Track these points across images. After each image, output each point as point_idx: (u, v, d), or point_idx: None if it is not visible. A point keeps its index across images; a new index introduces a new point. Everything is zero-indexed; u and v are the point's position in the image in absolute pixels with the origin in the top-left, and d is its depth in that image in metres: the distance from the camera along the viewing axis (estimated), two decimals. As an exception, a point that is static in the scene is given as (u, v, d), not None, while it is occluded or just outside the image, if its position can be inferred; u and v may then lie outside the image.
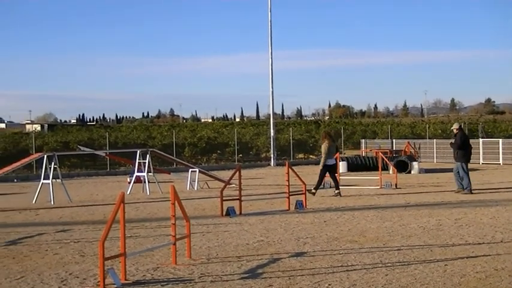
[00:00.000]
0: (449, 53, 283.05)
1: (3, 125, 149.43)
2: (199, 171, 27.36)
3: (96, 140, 47.92)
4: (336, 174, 23.34)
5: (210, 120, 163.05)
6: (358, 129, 62.21)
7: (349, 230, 14.55)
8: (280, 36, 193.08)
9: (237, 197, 18.29)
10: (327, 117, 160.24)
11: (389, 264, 10.68)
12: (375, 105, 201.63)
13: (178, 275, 10.20)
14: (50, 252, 12.69)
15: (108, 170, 40.59)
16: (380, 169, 26.14)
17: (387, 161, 29.76)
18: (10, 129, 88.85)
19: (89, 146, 40.46)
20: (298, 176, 19.51)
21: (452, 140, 23.52)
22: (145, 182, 25.19)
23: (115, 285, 9.47)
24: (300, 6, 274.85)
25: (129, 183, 26.40)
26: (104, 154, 36.04)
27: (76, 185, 30.17)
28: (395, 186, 24.84)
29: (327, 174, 22.73)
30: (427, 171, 33.85)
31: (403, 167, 33.36)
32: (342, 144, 51.99)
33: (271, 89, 46.05)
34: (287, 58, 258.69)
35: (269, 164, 45.20)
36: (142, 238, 14.03)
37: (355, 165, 35.44)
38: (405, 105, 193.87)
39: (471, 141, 44.59)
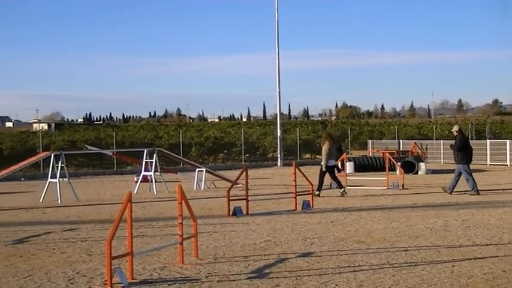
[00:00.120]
0: (457, 53, 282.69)
1: (10, 124, 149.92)
2: (206, 171, 27.35)
3: (103, 139, 47.99)
4: (337, 174, 23.37)
5: (217, 120, 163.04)
6: (365, 129, 62.15)
7: (356, 231, 14.54)
8: (288, 36, 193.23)
9: (244, 197, 18.28)
10: (334, 117, 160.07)
11: (396, 265, 10.67)
12: (382, 105, 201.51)
13: (185, 275, 10.20)
14: (57, 251, 12.71)
15: (115, 169, 40.65)
16: (387, 170, 26.09)
17: (394, 162, 29.71)
18: (17, 128, 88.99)
19: (96, 145, 40.53)
20: (305, 176, 19.50)
21: (453, 142, 23.55)
22: (152, 181, 25.20)
23: (122, 284, 9.47)
24: (306, 6, 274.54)
25: (136, 182, 26.41)
26: (111, 153, 36.06)
27: (83, 184, 30.21)
28: (402, 186, 24.81)
29: (326, 174, 22.78)
30: (434, 172, 33.80)
31: (410, 167, 33.32)
32: (349, 145, 51.97)
33: (278, 89, 46.09)
34: (294, 58, 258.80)
35: (276, 164, 45.21)
36: (149, 237, 14.04)
37: (362, 166, 35.41)
38: (412, 105, 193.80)
39: (479, 142, 44.95)
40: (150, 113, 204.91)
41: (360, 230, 14.59)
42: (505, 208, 18.36)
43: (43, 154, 25.95)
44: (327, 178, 23.29)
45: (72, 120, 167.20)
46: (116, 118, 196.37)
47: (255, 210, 18.52)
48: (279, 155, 45.57)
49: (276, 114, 50.15)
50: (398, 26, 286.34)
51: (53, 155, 22.89)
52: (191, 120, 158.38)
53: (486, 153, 42.39)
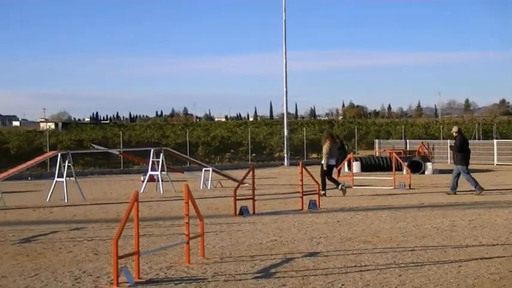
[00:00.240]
0: (464, 53, 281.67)
1: (17, 123, 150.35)
2: (213, 170, 27.37)
3: (110, 139, 48.05)
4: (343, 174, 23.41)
5: (224, 120, 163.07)
6: (372, 129, 62.14)
7: (363, 230, 14.53)
8: (295, 36, 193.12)
9: (251, 197, 18.28)
10: (341, 117, 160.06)
11: (402, 265, 10.66)
12: (389, 105, 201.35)
13: (192, 274, 10.20)
14: (63, 250, 12.73)
15: (122, 168, 40.69)
16: (394, 169, 26.07)
17: (401, 162, 29.68)
18: (24, 127, 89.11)
19: (102, 145, 40.55)
20: (311, 176, 19.50)
21: (452, 143, 23.62)
22: (158, 180, 25.23)
23: (128, 284, 9.48)
24: (314, 7, 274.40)
25: (143, 181, 26.43)
26: (117, 153, 36.10)
27: (90, 183, 30.24)
28: (409, 186, 24.79)
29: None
30: (441, 171, 33.72)
31: (416, 167, 33.30)
32: (356, 144, 51.99)
33: (285, 89, 46.10)
34: (301, 58, 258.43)
35: (282, 164, 45.21)
36: (155, 237, 14.05)
37: (369, 166, 35.40)
38: (419, 105, 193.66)
39: (486, 142, 44.89)
40: (156, 112, 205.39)
41: (367, 230, 14.58)
42: (511, 208, 18.33)
43: (50, 153, 26.00)
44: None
45: (79, 120, 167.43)
46: (123, 117, 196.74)
47: (262, 210, 18.52)
48: (285, 155, 45.57)
49: (283, 114, 50.11)
50: (405, 26, 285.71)
51: (59, 154, 22.92)
52: (198, 120, 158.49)
53: (493, 153, 42.34)
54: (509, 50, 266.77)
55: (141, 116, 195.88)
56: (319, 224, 15.61)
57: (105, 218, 17.85)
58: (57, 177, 22.52)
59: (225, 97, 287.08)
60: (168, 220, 16.91)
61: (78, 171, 32.96)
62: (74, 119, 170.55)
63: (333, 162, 23.03)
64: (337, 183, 22.63)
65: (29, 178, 34.95)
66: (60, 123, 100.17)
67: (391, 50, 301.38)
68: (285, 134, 46.24)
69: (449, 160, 42.89)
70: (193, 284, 9.55)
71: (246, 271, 10.42)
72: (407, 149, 42.23)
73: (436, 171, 33.59)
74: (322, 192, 21.66)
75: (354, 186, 25.50)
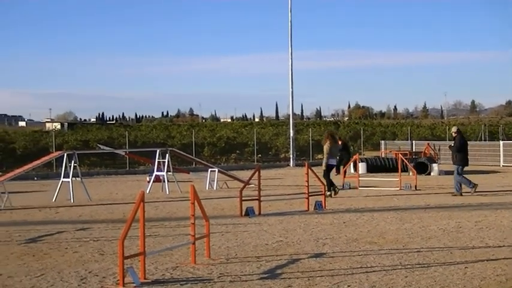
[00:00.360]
0: (470, 54, 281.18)
1: (23, 123, 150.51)
2: (219, 171, 27.37)
3: (115, 139, 48.13)
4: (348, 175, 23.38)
5: (229, 120, 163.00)
6: (377, 130, 62.08)
7: (369, 231, 14.51)
8: (301, 36, 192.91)
9: (256, 197, 18.28)
10: (347, 118, 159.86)
11: (408, 266, 10.64)
12: (395, 106, 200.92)
13: (198, 275, 10.20)
14: (69, 250, 12.74)
15: (128, 169, 40.74)
16: (399, 170, 26.06)
17: (407, 163, 29.64)
18: (30, 128, 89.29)
19: (108, 145, 40.64)
20: (317, 176, 19.50)
21: (451, 143, 23.67)
22: (164, 181, 25.24)
23: (134, 284, 9.48)
24: (319, 6, 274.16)
25: (149, 182, 26.46)
26: (123, 153, 36.14)
27: (95, 184, 30.27)
28: (415, 187, 24.76)
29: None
30: (447, 173, 33.60)
31: (422, 168, 33.26)
32: (361, 145, 51.95)
33: (291, 89, 46.07)
34: (307, 58, 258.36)
35: (288, 165, 45.21)
36: (161, 237, 14.05)
37: (375, 167, 35.36)
38: (425, 106, 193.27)
39: (492, 143, 44.82)
40: (162, 112, 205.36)
41: (373, 231, 14.57)
42: (518, 210, 18.31)
43: (56, 153, 26.03)
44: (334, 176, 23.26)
45: (85, 120, 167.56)
46: (129, 118, 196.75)
47: (268, 211, 18.51)
48: (291, 156, 45.57)
49: (289, 115, 50.19)
50: (411, 27, 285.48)
51: (65, 154, 22.95)
52: (204, 120, 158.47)
53: (499, 155, 42.26)
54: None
55: (147, 116, 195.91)
56: (325, 225, 15.60)
57: (111, 218, 17.87)
58: (63, 177, 22.56)
59: (230, 98, 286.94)
60: (174, 221, 16.92)
61: (84, 171, 32.99)
62: (80, 119, 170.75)
63: (333, 162, 23.06)
64: (332, 186, 22.51)
65: (35, 178, 35.01)
66: (66, 124, 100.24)
67: (397, 51, 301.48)
68: (291, 134, 46.23)
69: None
70: (199, 285, 9.55)
71: (252, 272, 10.42)
72: (413, 150, 42.18)
73: (442, 173, 33.53)
74: (328, 193, 21.64)
75: (359, 187, 25.48)
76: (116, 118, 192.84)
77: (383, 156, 38.90)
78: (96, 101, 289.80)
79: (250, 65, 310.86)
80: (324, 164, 22.85)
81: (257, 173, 18.53)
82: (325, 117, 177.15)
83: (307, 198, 18.83)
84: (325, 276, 10.02)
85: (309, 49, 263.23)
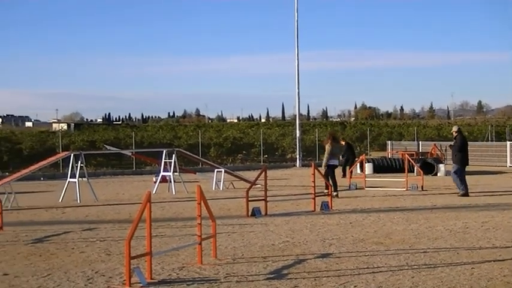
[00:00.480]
0: (477, 54, 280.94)
1: (30, 124, 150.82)
2: (225, 172, 27.37)
3: (122, 140, 48.20)
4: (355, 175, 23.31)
5: (236, 121, 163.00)
6: (384, 130, 62.10)
7: (375, 232, 14.50)
8: (307, 36, 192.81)
9: (263, 198, 18.27)
10: (353, 118, 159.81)
11: (415, 267, 10.63)
12: (401, 107, 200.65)
13: (204, 275, 10.20)
14: (76, 250, 12.76)
15: (134, 169, 40.76)
16: (406, 171, 26.03)
17: (413, 163, 29.61)
18: (37, 128, 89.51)
19: (115, 145, 40.72)
20: (324, 177, 19.49)
21: (452, 143, 23.69)
22: (171, 181, 25.25)
23: (141, 284, 9.49)
24: (325, 7, 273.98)
25: (155, 182, 26.47)
26: (130, 153, 36.17)
27: (102, 184, 30.30)
28: (422, 188, 24.73)
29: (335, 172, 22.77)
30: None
31: (429, 169, 33.21)
32: (368, 146, 51.90)
33: (297, 90, 46.04)
34: (313, 59, 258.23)
35: (294, 165, 45.20)
36: (168, 237, 14.06)
37: (381, 167, 35.32)
38: (431, 107, 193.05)
39: (499, 143, 44.75)
40: (169, 113, 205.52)
41: (379, 232, 14.55)
42: (525, 210, 18.27)
43: (62, 154, 26.06)
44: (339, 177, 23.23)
45: (92, 120, 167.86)
46: (135, 118, 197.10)
47: (274, 211, 18.51)
48: (297, 156, 45.56)
49: (295, 115, 50.16)
50: (418, 27, 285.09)
51: (72, 154, 22.98)
52: (210, 121, 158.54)
53: (506, 155, 42.15)
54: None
55: (153, 117, 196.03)
56: (331, 226, 15.59)
57: (118, 218, 17.88)
58: (70, 177, 22.59)
59: (237, 98, 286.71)
60: (181, 221, 16.92)
61: (90, 171, 33.01)
62: (86, 119, 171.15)
63: (334, 162, 23.07)
64: (327, 186, 22.39)
65: (42, 178, 35.06)
66: (73, 124, 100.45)
67: (404, 52, 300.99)
68: (297, 135, 46.23)
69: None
70: (206, 285, 9.55)
71: (258, 272, 10.41)
72: (420, 151, 42.11)
73: (448, 173, 33.40)
74: (335, 193, 21.62)
75: (366, 187, 25.46)
76: (123, 119, 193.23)
77: (389, 156, 38.89)
78: (103, 102, 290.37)
79: (256, 65, 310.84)
80: (323, 164, 22.86)
81: (263, 173, 18.53)
82: (331, 117, 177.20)
83: (314, 199, 18.82)
84: (331, 276, 10.02)
85: (315, 50, 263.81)
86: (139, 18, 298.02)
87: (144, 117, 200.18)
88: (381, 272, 10.29)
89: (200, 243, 11.09)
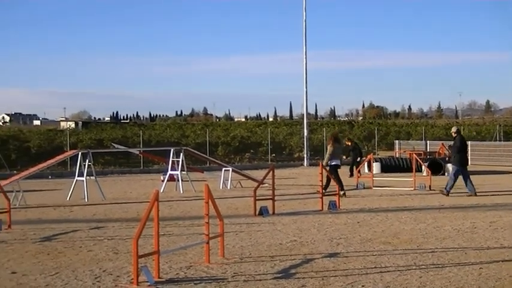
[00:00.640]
0: (485, 54, 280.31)
1: (38, 122, 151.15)
2: (233, 170, 27.36)
3: (129, 138, 48.21)
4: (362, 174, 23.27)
5: (243, 120, 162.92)
6: (392, 130, 61.92)
7: (383, 232, 14.48)
8: (315, 36, 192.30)
9: (270, 197, 18.26)
10: (361, 117, 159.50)
11: (423, 267, 10.61)
12: (409, 106, 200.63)
13: (211, 274, 10.21)
14: (84, 249, 12.78)
15: (142, 168, 40.75)
16: (414, 170, 25.98)
17: (421, 163, 29.57)
18: (45, 126, 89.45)
19: (122, 144, 40.68)
20: (331, 176, 19.47)
21: (451, 144, 23.75)
22: (178, 180, 25.26)
23: (148, 283, 9.50)
24: (333, 6, 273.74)
25: (163, 181, 26.48)
26: (137, 152, 36.19)
27: (110, 183, 30.32)
28: (429, 188, 24.68)
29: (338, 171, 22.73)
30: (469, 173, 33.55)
31: (437, 168, 33.14)
32: (376, 145, 51.82)
33: (305, 89, 46.00)
34: (321, 58, 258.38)
35: (302, 164, 45.13)
36: (175, 236, 14.07)
37: (389, 166, 35.27)
38: (439, 106, 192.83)
39: (507, 143, 44.65)
40: (176, 112, 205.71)
41: (387, 231, 14.54)
42: (533, 210, 18.22)
43: (70, 152, 26.08)
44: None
45: (99, 119, 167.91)
46: (143, 117, 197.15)
47: (281, 210, 18.50)
48: (305, 155, 45.50)
49: (303, 114, 50.07)
50: (426, 27, 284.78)
51: (80, 153, 23.01)
52: (218, 120, 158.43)
53: (514, 155, 42.09)
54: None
55: (161, 115, 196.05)
56: (339, 225, 15.58)
57: (125, 217, 17.90)
58: (78, 176, 22.62)
59: (244, 97, 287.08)
60: (188, 220, 16.93)
61: (98, 170, 33.05)
62: (94, 118, 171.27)
63: (337, 162, 23.06)
64: (326, 187, 22.31)
65: (50, 177, 35.07)
66: (81, 123, 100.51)
67: (412, 51, 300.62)
68: (305, 134, 46.17)
69: (469, 161, 42.62)
70: (213, 284, 9.55)
71: (266, 271, 10.42)
72: (428, 150, 42.05)
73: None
74: (341, 192, 21.59)
75: (373, 187, 25.43)
76: (130, 117, 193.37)
77: (397, 156, 38.85)
78: (110, 100, 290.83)
79: (264, 64, 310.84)
80: (324, 164, 22.84)
81: (271, 172, 18.52)
82: (339, 116, 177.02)
83: (321, 198, 18.81)
84: (339, 276, 10.01)
85: (323, 49, 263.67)
86: (146, 18, 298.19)
87: (152, 115, 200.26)
88: (388, 271, 10.28)
89: (208, 242, 11.10)
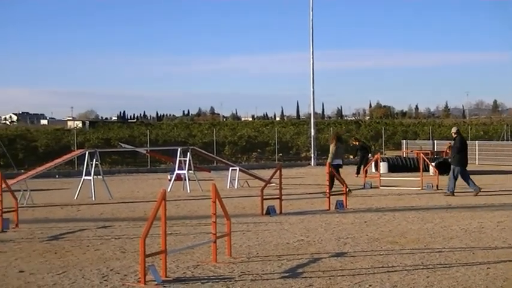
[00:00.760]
0: (492, 54, 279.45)
1: (45, 122, 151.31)
2: (240, 170, 27.37)
3: (136, 137, 48.27)
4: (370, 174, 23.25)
5: (250, 119, 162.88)
6: (399, 129, 61.83)
7: (390, 231, 14.47)
8: (322, 36, 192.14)
9: (278, 196, 18.26)
10: (368, 117, 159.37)
11: (430, 266, 10.60)
12: (416, 105, 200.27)
13: (219, 273, 10.21)
14: (91, 248, 12.80)
15: (149, 167, 40.82)
16: (421, 170, 25.94)
17: (428, 162, 29.52)
18: (52, 126, 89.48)
19: (129, 143, 40.75)
20: (338, 175, 19.46)
21: (451, 144, 23.76)
22: (185, 179, 25.27)
23: (155, 282, 9.50)
24: (340, 6, 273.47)
25: (170, 180, 26.50)
26: (144, 151, 36.24)
27: (117, 182, 30.37)
28: (437, 187, 24.65)
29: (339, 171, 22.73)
30: (469, 173, 33.46)
31: (444, 168, 33.07)
32: (383, 145, 51.79)
33: (312, 89, 46.01)
34: (328, 58, 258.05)
35: (309, 164, 45.14)
36: (182, 236, 14.08)
37: (396, 166, 35.23)
38: (446, 106, 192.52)
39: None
40: (183, 111, 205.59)
41: (394, 231, 14.52)
42: (541, 210, 18.18)
43: (77, 151, 26.15)
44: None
45: (106, 118, 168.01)
46: (150, 116, 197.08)
47: (289, 210, 18.50)
48: (312, 155, 45.50)
49: (310, 114, 50.06)
50: (432, 27, 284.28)
51: (87, 152, 23.06)
52: (224, 119, 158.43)
53: (521, 155, 42.02)
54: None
55: (168, 115, 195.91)
56: (346, 224, 15.57)
57: (132, 216, 17.92)
58: (85, 175, 22.68)
59: (251, 97, 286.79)
60: (195, 219, 16.94)
61: (105, 169, 33.11)
62: (101, 117, 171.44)
63: (338, 162, 23.06)
64: (331, 187, 22.28)
65: (57, 176, 35.16)
66: (88, 122, 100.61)
67: (419, 51, 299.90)
68: (312, 133, 46.16)
69: (477, 161, 42.65)
70: (220, 283, 9.55)
71: (273, 271, 10.41)
72: (435, 150, 42.01)
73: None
74: (328, 191, 21.58)
75: (381, 186, 25.40)
76: (137, 116, 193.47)
77: (404, 155, 38.82)
78: (117, 100, 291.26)
79: (271, 64, 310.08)
80: (327, 163, 22.86)
81: (278, 172, 18.52)
82: (346, 116, 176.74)
83: (328, 198, 18.80)
84: (346, 275, 10.01)
85: (330, 49, 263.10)
86: (151, 18, 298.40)
87: (159, 115, 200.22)
88: (395, 271, 10.27)
89: (215, 242, 11.10)
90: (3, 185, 16.15)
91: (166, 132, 55.97)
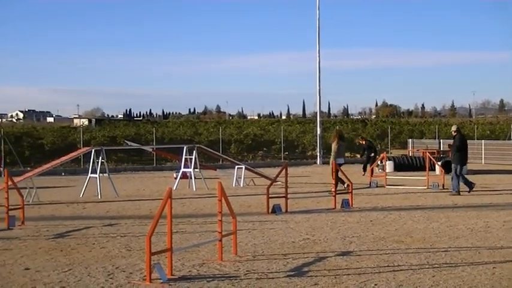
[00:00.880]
0: (499, 53, 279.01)
1: (51, 119, 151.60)
2: (245, 168, 27.37)
3: (142, 135, 48.23)
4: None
5: (256, 118, 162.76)
6: (405, 128, 61.68)
7: (396, 230, 14.45)
8: (329, 34, 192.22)
9: (283, 195, 18.25)
10: (374, 116, 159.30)
11: (436, 266, 10.58)
12: (422, 104, 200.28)
13: (224, 272, 10.21)
14: (97, 245, 12.81)
15: (155, 165, 40.83)
16: (427, 169, 25.90)
17: (434, 161, 29.47)
18: (58, 123, 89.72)
19: (135, 141, 40.79)
20: (344, 174, 19.45)
21: (451, 142, 23.76)
22: (191, 178, 25.27)
23: (161, 280, 9.51)
24: (347, 5, 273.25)
25: (176, 178, 26.51)
26: (150, 149, 36.26)
27: (123, 180, 30.39)
28: (443, 186, 24.60)
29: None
30: (475, 172, 33.42)
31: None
32: (389, 144, 51.73)
33: (318, 87, 46.02)
34: (335, 57, 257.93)
35: (315, 162, 45.12)
36: (188, 234, 14.08)
37: (402, 165, 35.18)
38: (453, 105, 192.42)
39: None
40: (189, 109, 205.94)
41: (400, 230, 14.51)
42: (547, 210, 18.14)
43: (84, 149, 26.17)
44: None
45: (113, 116, 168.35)
46: (156, 114, 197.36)
47: (294, 208, 18.49)
48: (318, 153, 45.48)
49: (316, 112, 50.04)
50: (439, 26, 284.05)
51: (93, 150, 23.07)
52: (230, 117, 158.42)
53: (527, 154, 41.94)
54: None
55: (174, 113, 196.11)
56: (351, 223, 15.56)
57: (138, 214, 17.93)
58: (91, 173, 22.69)
59: (257, 95, 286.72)
60: (201, 217, 16.94)
61: (111, 167, 33.10)
62: (107, 115, 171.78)
63: (340, 161, 23.05)
64: (342, 182, 22.33)
65: (63, 174, 35.21)
66: (94, 120, 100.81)
67: (425, 49, 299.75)
68: (318, 132, 46.15)
69: (483, 160, 42.60)
70: (226, 282, 9.55)
71: (279, 269, 10.41)
72: (441, 149, 41.94)
73: (470, 172, 33.26)
74: (344, 186, 21.60)
75: (387, 185, 25.37)
76: (143, 114, 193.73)
77: (410, 154, 38.76)
78: (124, 98, 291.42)
79: (277, 62, 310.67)
80: (330, 162, 22.85)
81: (284, 170, 18.52)
82: (352, 115, 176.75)
83: (334, 196, 18.79)
84: (351, 274, 10.00)
85: (336, 48, 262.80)
86: (154, 17, 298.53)
87: (165, 113, 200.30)
88: (401, 270, 10.26)
89: (220, 240, 11.10)
90: (10, 183, 16.19)
91: (172, 130, 55.92)
